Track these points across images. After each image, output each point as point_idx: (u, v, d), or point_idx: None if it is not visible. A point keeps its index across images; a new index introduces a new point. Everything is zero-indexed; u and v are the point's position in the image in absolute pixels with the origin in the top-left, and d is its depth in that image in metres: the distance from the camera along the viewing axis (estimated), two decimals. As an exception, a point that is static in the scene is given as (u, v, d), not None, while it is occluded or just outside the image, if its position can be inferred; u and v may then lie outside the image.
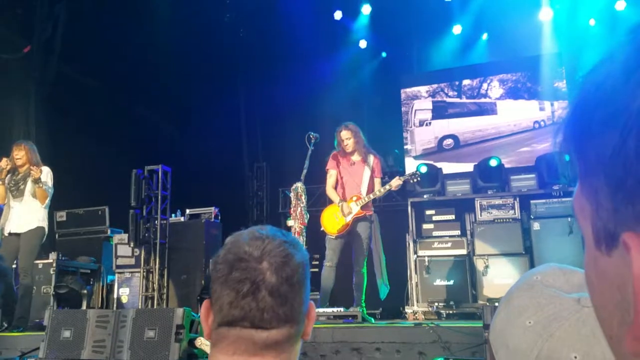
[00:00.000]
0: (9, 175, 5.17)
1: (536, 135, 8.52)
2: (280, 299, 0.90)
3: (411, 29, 8.68)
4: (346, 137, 5.11)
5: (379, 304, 6.50)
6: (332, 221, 5.06)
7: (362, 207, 5.04)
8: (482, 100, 8.96)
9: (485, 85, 8.98)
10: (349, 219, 5.00)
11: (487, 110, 8.93)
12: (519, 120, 8.70)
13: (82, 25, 7.69)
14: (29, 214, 5.00)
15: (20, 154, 5.02)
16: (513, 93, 8.82)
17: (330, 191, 5.22)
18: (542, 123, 8.54)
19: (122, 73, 8.27)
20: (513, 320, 0.72)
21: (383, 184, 5.20)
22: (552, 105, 8.49)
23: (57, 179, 5.35)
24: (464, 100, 9.07)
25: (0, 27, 6.89)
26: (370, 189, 5.11)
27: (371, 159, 5.17)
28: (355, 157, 5.18)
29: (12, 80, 7.03)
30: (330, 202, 5.21)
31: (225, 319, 0.91)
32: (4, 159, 5.00)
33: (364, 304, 5.07)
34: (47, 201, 5.10)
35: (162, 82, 8.66)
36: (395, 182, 5.00)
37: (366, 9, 9.04)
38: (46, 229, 5.14)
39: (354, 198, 5.04)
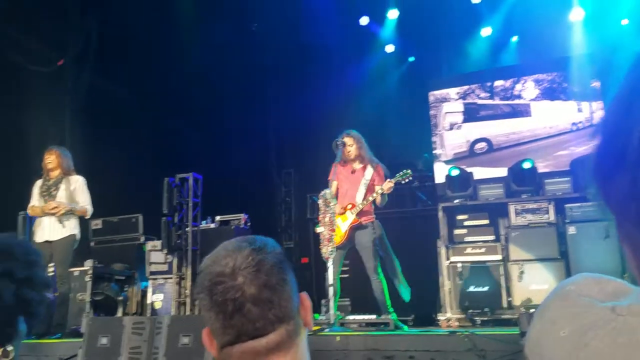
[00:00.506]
0: (40, 181, 5.25)
1: (574, 138, 8.19)
2: (265, 305, 0.92)
3: (439, 32, 8.55)
4: (349, 143, 5.09)
5: (410, 311, 6.43)
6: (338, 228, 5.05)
7: (361, 215, 4.98)
8: (516, 101, 8.66)
9: (518, 86, 8.68)
10: (345, 228, 4.94)
11: (521, 112, 8.62)
12: (555, 122, 8.36)
13: (113, 37, 7.87)
14: (61, 222, 5.05)
15: (50, 159, 5.09)
16: (549, 94, 8.47)
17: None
18: (580, 125, 8.19)
19: (152, 83, 8.42)
20: (547, 331, 0.70)
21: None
22: (590, 106, 8.18)
23: (92, 187, 5.45)
24: (497, 101, 8.78)
25: (35, 41, 7.10)
26: (368, 196, 5.06)
27: (373, 166, 5.12)
28: (357, 165, 5.14)
29: (46, 92, 7.23)
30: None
31: (224, 340, 0.94)
32: (52, 204, 5.06)
33: (391, 309, 5.01)
34: (92, 210, 5.18)
35: (192, 91, 8.79)
36: (387, 185, 4.93)
37: (393, 14, 9.00)
38: (78, 236, 5.19)
39: (349, 206, 5.00)
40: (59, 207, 4.97)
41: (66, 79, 7.61)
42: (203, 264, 0.99)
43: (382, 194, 4.97)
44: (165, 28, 8.06)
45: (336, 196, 5.17)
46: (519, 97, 8.64)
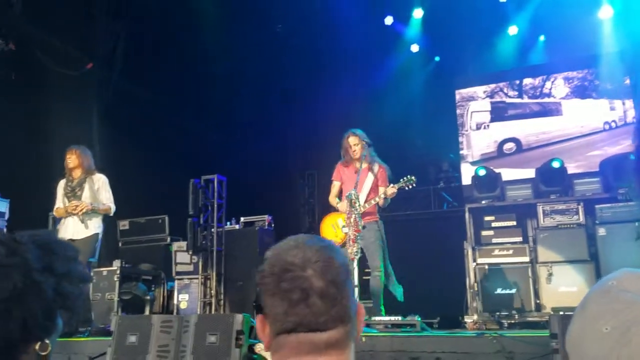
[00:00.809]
0: (63, 181, 5.34)
1: (608, 137, 7.90)
2: (330, 301, 0.94)
3: (464, 31, 8.39)
4: (354, 142, 5.07)
5: (436, 313, 6.36)
6: (331, 232, 5.04)
7: (364, 216, 4.95)
8: (546, 100, 8.43)
9: (548, 84, 8.45)
10: (346, 230, 4.94)
11: (551, 110, 8.39)
12: (587, 121, 8.11)
13: (139, 41, 8.00)
14: (84, 221, 5.12)
15: (71, 158, 5.17)
16: (580, 92, 8.24)
17: (331, 200, 5.25)
18: (612, 124, 7.92)
19: (177, 85, 8.53)
20: (589, 327, 0.68)
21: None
22: (623, 104, 7.92)
23: (119, 189, 5.53)
24: (526, 100, 8.55)
25: (65, 44, 7.25)
26: (372, 197, 5.05)
27: (376, 167, 5.09)
28: (360, 165, 5.10)
29: (74, 94, 7.37)
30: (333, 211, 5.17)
31: (283, 327, 0.95)
32: (73, 204, 5.15)
33: (383, 309, 4.99)
34: (114, 207, 5.24)
35: (216, 93, 8.87)
36: (390, 191, 4.90)
37: (418, 13, 8.93)
38: (100, 235, 5.26)
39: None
40: (81, 206, 5.05)
41: (94, 81, 7.76)
42: (270, 252, 1.02)
43: (384, 198, 4.96)
44: (190, 31, 8.15)
45: (339, 197, 5.17)
46: (548, 95, 8.41)
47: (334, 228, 5.08)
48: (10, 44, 5.86)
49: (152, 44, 8.04)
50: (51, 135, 6.85)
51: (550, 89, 8.41)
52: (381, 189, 5.04)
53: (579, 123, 8.14)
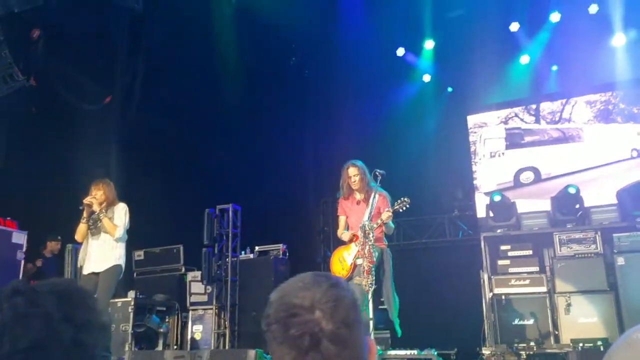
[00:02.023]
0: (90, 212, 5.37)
1: (635, 166, 7.20)
2: (342, 343, 0.89)
3: (476, 61, 8.38)
4: (354, 173, 5.07)
5: (453, 344, 6.26)
6: (338, 266, 4.99)
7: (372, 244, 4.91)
8: (566, 125, 7.80)
9: (568, 108, 7.80)
10: (351, 261, 4.91)
11: (572, 137, 7.75)
12: (612, 148, 7.44)
13: (156, 71, 8.16)
14: (106, 252, 5.13)
15: (98, 193, 5.21)
16: (603, 116, 7.59)
17: (340, 235, 5.22)
18: None
19: (194, 115, 8.67)
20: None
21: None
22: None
23: (135, 219, 5.56)
24: (544, 126, 7.94)
25: (84, 79, 7.43)
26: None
27: (376, 195, 5.07)
28: (360, 196, 5.09)
29: (92, 127, 7.52)
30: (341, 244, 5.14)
31: None
32: (88, 197, 5.17)
33: (397, 320, 4.92)
34: (121, 235, 5.13)
35: (232, 123, 8.98)
36: (385, 215, 4.84)
37: (429, 44, 9.03)
38: (123, 267, 5.24)
39: (354, 239, 4.97)
40: (94, 202, 5.05)
41: (112, 114, 7.92)
42: (275, 295, 0.97)
43: (386, 224, 4.93)
44: (207, 62, 8.32)
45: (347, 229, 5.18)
46: (568, 120, 7.80)
47: (341, 262, 5.04)
48: (31, 80, 6.02)
49: (168, 74, 8.21)
50: (70, 167, 6.97)
51: (571, 114, 7.81)
52: (382, 215, 5.03)
53: (603, 150, 7.49)
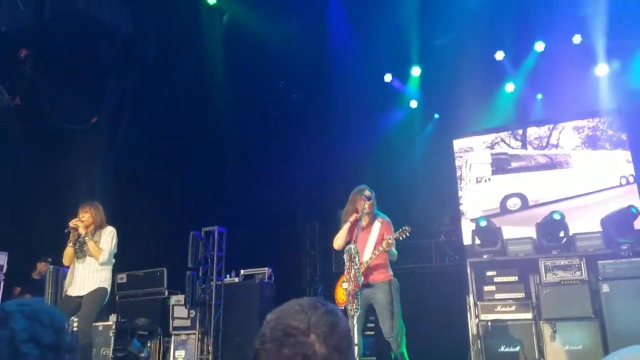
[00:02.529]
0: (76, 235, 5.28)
1: (624, 193, 7.10)
2: None
3: (462, 88, 8.46)
4: (368, 198, 5.06)
5: (439, 370, 6.21)
6: (341, 291, 4.95)
7: (374, 272, 4.85)
8: (553, 151, 7.72)
9: (555, 134, 7.74)
10: (345, 285, 4.82)
11: (560, 163, 7.67)
12: (601, 175, 7.36)
13: (146, 94, 8.17)
14: (91, 275, 5.04)
15: (85, 216, 5.13)
16: (592, 142, 7.55)
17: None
18: (630, 178, 7.16)
19: (181, 137, 8.65)
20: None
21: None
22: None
23: (119, 241, 5.48)
24: (531, 151, 7.86)
25: (69, 99, 7.40)
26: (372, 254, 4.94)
27: (380, 221, 5.06)
28: (365, 222, 5.05)
29: (79, 148, 7.47)
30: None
31: None
32: (74, 220, 5.09)
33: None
34: (106, 259, 5.03)
35: (219, 145, 8.98)
36: (386, 243, 4.83)
37: (416, 71, 9.15)
38: (108, 290, 5.15)
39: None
40: (79, 225, 4.96)
41: (99, 134, 7.88)
42: (271, 315, 0.99)
43: (388, 251, 4.89)
44: (196, 84, 8.34)
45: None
46: (556, 146, 7.73)
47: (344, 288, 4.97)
48: (16, 99, 5.98)
49: (157, 96, 8.20)
50: (55, 187, 6.89)
51: (558, 139, 7.76)
52: (383, 243, 4.98)
53: (591, 177, 7.41)
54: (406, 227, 4.86)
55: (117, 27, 7.25)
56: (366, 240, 4.97)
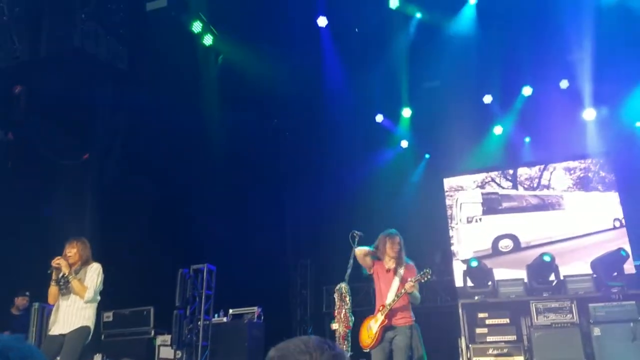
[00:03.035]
0: (59, 274, 5.19)
1: (618, 237, 7.01)
2: None
3: (452, 130, 8.54)
4: (398, 242, 5.06)
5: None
6: (365, 334, 4.90)
7: (395, 315, 4.82)
8: (545, 192, 7.67)
9: (546, 175, 7.69)
10: (376, 329, 4.84)
11: (552, 204, 7.60)
12: (594, 218, 7.26)
13: (138, 130, 8.19)
14: (75, 312, 4.92)
15: (72, 252, 5.05)
16: (584, 184, 7.49)
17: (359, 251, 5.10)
18: (623, 221, 7.08)
19: (172, 174, 8.62)
20: None
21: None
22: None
23: (106, 278, 5.39)
24: (522, 192, 7.80)
25: (62, 135, 7.40)
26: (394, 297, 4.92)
27: (402, 268, 5.06)
28: (390, 265, 5.05)
29: (69, 184, 7.43)
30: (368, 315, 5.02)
31: None
32: (57, 258, 5.02)
33: None
34: (91, 297, 4.92)
35: (210, 182, 8.97)
36: (408, 285, 4.77)
37: (406, 112, 9.29)
38: (92, 328, 5.02)
39: (380, 308, 4.90)
40: (62, 264, 4.87)
41: (90, 171, 7.86)
42: (274, 352, 0.96)
43: (410, 293, 4.87)
44: (189, 121, 8.38)
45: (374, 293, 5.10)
46: (547, 187, 7.67)
47: (367, 330, 4.89)
48: (9, 134, 5.98)
49: (149, 134, 8.22)
50: (45, 223, 6.82)
51: (550, 180, 7.70)
52: (406, 285, 4.95)
53: (584, 219, 7.31)
54: (427, 270, 4.86)
55: (113, 64, 7.33)
56: (390, 283, 4.93)
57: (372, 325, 4.81)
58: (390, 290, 4.88)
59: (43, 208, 6.95)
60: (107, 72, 7.37)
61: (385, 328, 4.75)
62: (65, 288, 4.97)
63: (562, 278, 6.43)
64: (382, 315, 4.78)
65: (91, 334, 4.97)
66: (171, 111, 8.06)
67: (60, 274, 4.98)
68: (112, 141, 8.01)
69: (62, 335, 4.83)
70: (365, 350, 4.80)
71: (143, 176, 8.45)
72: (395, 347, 4.75)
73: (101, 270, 5.06)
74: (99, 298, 5.07)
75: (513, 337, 6.01)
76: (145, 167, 8.36)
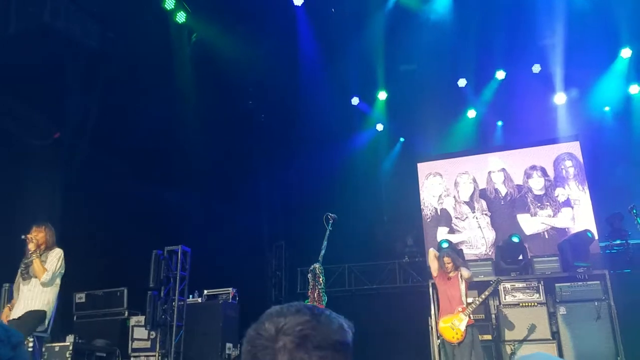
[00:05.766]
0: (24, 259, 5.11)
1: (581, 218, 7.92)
2: None
3: (426, 113, 8.70)
4: (447, 262, 5.64)
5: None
6: (450, 331, 5.45)
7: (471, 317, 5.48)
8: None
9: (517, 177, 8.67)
10: (463, 328, 5.40)
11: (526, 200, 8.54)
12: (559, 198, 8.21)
13: (111, 110, 8.04)
14: (34, 296, 4.85)
15: (39, 235, 4.99)
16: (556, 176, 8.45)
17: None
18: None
19: (145, 155, 8.52)
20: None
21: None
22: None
23: (79, 259, 5.34)
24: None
25: (32, 114, 7.24)
26: (477, 299, 5.66)
27: (459, 273, 5.59)
28: (451, 274, 5.62)
29: (40, 164, 7.28)
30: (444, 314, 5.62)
31: None
32: (29, 236, 4.93)
33: None
34: (49, 279, 4.81)
35: (184, 163, 8.89)
36: (487, 292, 5.55)
37: (382, 95, 9.32)
38: (48, 313, 4.93)
39: (460, 309, 5.47)
40: (33, 241, 4.82)
41: (61, 151, 7.70)
42: (266, 312, 0.93)
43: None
44: (164, 101, 8.27)
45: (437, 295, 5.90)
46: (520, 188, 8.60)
47: (453, 329, 5.45)
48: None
49: (122, 114, 8.09)
50: (15, 204, 6.69)
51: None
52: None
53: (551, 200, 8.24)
54: (496, 279, 5.75)
55: (84, 41, 7.15)
56: (457, 286, 5.57)
57: (457, 324, 5.46)
58: (462, 294, 5.56)
59: (12, 188, 6.81)
60: (79, 50, 7.19)
61: (471, 326, 5.43)
62: (26, 272, 4.91)
63: (529, 258, 6.61)
64: (466, 316, 5.45)
65: (46, 319, 4.88)
66: (144, 90, 7.93)
67: (22, 258, 4.93)
68: (83, 120, 7.85)
69: (17, 319, 4.76)
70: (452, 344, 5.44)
71: (116, 156, 8.33)
72: (475, 343, 5.41)
73: (62, 256, 5.01)
74: (58, 282, 4.99)
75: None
76: (118, 146, 8.24)
